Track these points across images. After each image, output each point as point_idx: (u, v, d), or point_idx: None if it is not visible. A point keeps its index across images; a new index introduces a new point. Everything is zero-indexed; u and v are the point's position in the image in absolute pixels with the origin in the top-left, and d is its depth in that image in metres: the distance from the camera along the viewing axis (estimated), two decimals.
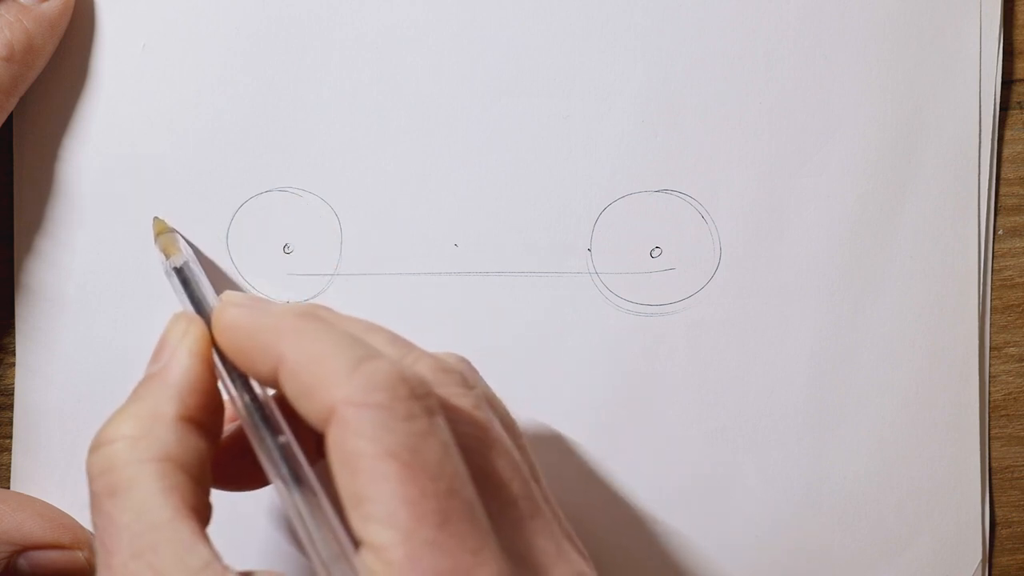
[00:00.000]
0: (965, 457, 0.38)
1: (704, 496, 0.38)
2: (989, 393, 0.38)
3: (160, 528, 0.26)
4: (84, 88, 0.37)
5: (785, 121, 0.37)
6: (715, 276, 0.38)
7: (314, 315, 0.29)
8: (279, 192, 0.37)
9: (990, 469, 0.38)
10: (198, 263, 0.34)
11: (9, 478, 0.37)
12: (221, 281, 0.37)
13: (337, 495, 0.26)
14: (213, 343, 0.30)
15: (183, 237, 0.36)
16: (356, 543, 0.25)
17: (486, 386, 0.31)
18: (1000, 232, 0.38)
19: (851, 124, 0.37)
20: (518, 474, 0.28)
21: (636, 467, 0.38)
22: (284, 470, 0.27)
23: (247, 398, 0.29)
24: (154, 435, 0.28)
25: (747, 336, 0.38)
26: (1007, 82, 0.38)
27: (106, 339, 0.37)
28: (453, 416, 0.28)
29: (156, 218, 0.37)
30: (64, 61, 0.36)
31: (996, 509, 0.38)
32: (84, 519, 0.37)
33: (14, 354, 0.37)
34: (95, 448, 0.28)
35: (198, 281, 0.33)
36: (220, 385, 0.30)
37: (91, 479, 0.28)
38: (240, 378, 0.29)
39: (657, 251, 0.38)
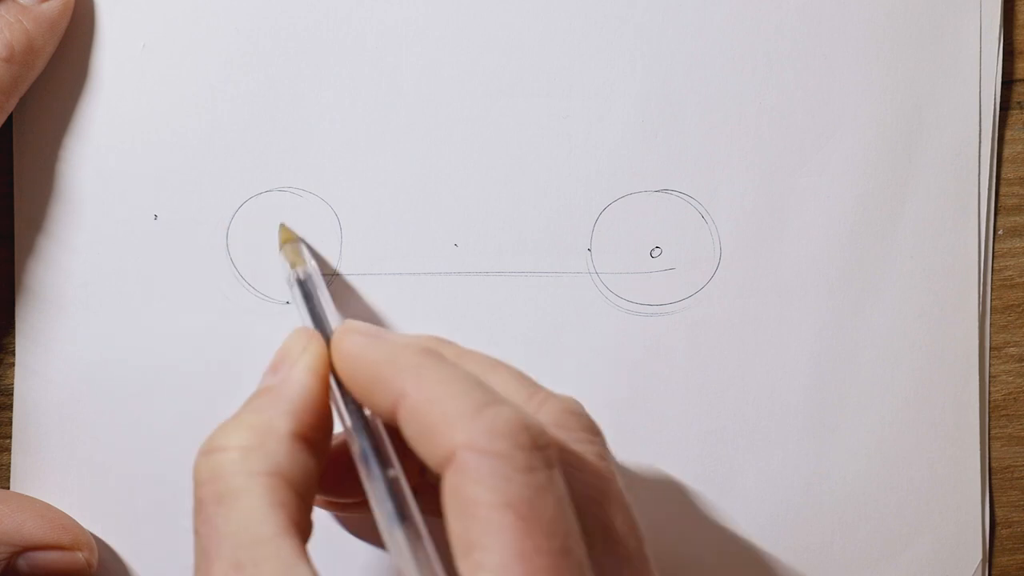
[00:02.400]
0: (965, 457, 0.38)
1: (703, 496, 0.38)
2: (989, 393, 0.38)
3: (264, 543, 0.26)
4: (84, 88, 0.37)
5: (785, 121, 0.37)
6: (715, 276, 0.38)
7: (437, 352, 0.28)
8: (279, 192, 0.37)
9: (990, 469, 0.38)
10: (321, 277, 0.34)
11: (9, 478, 0.37)
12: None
13: (445, 538, 0.26)
14: (331, 367, 0.29)
15: (308, 247, 0.36)
16: None
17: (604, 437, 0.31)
18: (1000, 232, 0.38)
19: (851, 124, 0.37)
20: (634, 531, 0.28)
21: (635, 467, 0.38)
22: (389, 506, 0.27)
23: (360, 427, 0.29)
24: (266, 449, 0.27)
25: (747, 336, 0.38)
26: (1007, 82, 0.38)
27: (106, 339, 0.37)
28: (577, 465, 0.28)
29: (283, 225, 0.37)
30: (64, 61, 0.36)
31: (996, 509, 0.38)
32: (83, 519, 0.37)
33: (14, 354, 0.37)
34: (205, 453, 0.28)
35: (320, 297, 0.32)
36: (332, 407, 0.30)
37: (198, 484, 0.27)
38: (354, 405, 0.29)
39: (657, 251, 0.38)
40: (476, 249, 0.37)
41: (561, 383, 0.38)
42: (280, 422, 0.28)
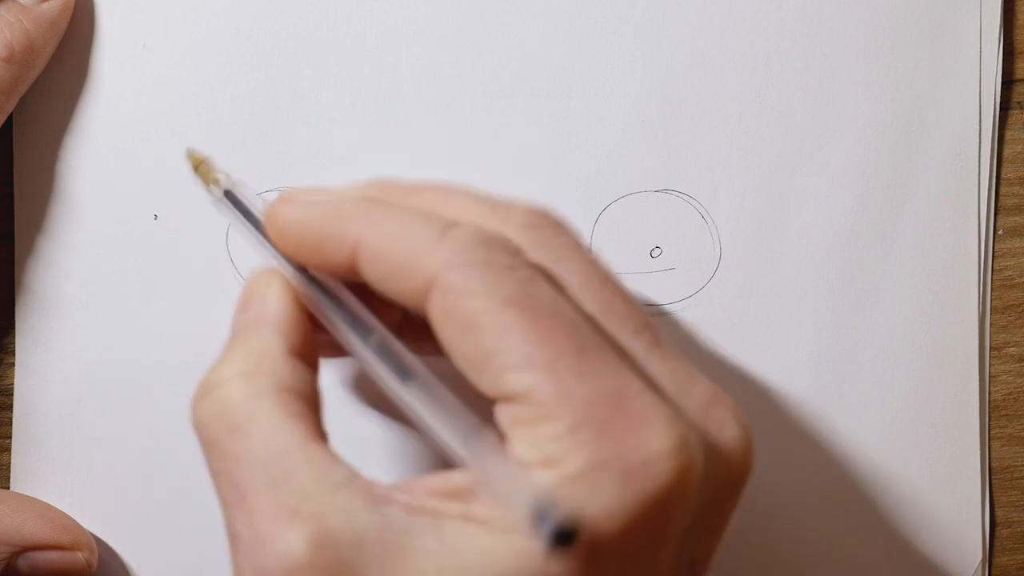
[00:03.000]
0: (965, 457, 0.38)
1: None
2: (989, 393, 0.38)
3: (293, 453, 0.26)
4: (84, 88, 0.37)
5: (785, 121, 0.37)
6: (715, 276, 0.38)
7: (381, 197, 0.28)
8: (279, 192, 0.37)
9: (990, 469, 0.38)
10: (246, 186, 0.33)
11: (9, 478, 0.37)
12: None
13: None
14: (279, 249, 0.29)
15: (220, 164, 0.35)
16: (485, 411, 0.25)
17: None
18: (1000, 232, 0.38)
19: (851, 124, 0.37)
20: (634, 308, 0.28)
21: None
22: (388, 369, 0.27)
23: (327, 301, 0.28)
24: (266, 369, 0.27)
25: (747, 336, 0.38)
26: (1007, 82, 0.38)
27: (106, 339, 0.37)
28: (563, 256, 0.27)
29: (189, 150, 0.34)
30: (64, 61, 0.36)
31: (996, 509, 0.38)
32: (83, 519, 0.37)
33: (14, 354, 0.37)
34: (204, 394, 0.27)
35: (251, 201, 0.31)
36: (306, 299, 0.29)
37: (203, 425, 0.27)
38: (313, 281, 0.29)
39: (657, 251, 0.38)
40: None
41: None
42: (272, 342, 0.28)
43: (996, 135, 0.38)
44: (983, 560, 0.38)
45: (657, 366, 0.27)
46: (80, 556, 0.35)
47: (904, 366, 0.38)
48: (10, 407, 0.37)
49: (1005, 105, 0.38)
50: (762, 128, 0.37)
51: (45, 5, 0.35)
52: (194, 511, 0.37)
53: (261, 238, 0.30)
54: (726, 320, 0.38)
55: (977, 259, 0.38)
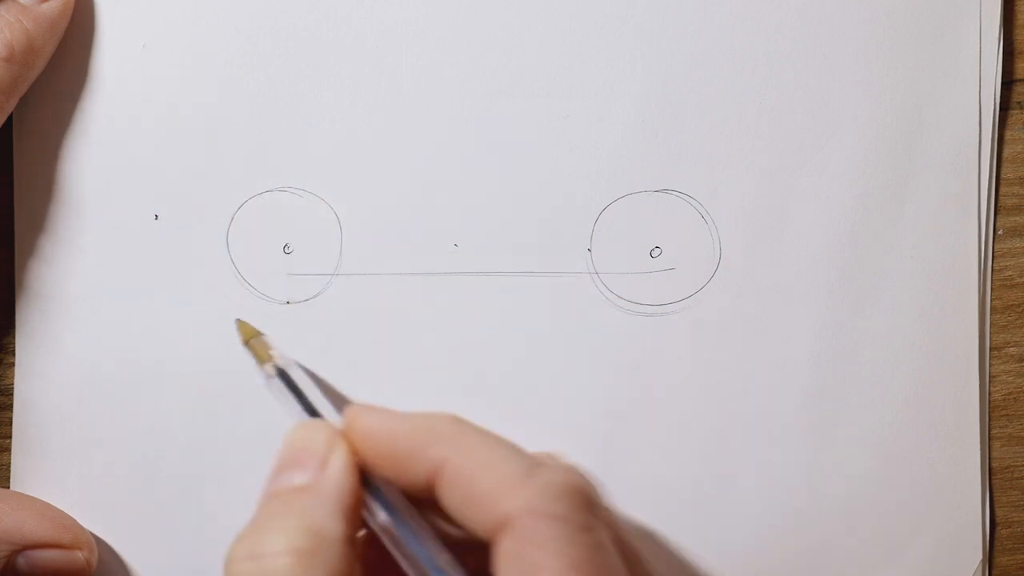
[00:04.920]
0: (965, 457, 0.38)
1: (704, 496, 0.38)
2: (989, 393, 0.38)
3: None
4: (84, 88, 0.37)
5: (785, 121, 0.37)
6: (715, 276, 0.38)
7: (463, 419, 0.28)
8: (279, 192, 0.37)
9: (990, 469, 0.38)
10: (295, 364, 0.33)
11: (9, 478, 0.37)
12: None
13: None
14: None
15: (272, 339, 0.36)
16: None
17: None
18: (1000, 232, 0.38)
19: (851, 124, 0.37)
20: None
21: (636, 467, 0.38)
22: None
23: (391, 509, 0.28)
24: (323, 555, 0.26)
25: (747, 336, 0.38)
26: (1007, 82, 0.38)
27: (106, 339, 0.37)
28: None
29: (239, 321, 0.36)
30: (64, 61, 0.36)
31: (996, 509, 0.38)
32: (83, 519, 0.37)
33: (14, 354, 0.37)
34: (246, 558, 0.27)
35: (304, 386, 0.31)
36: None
37: None
38: (379, 488, 0.28)
39: (657, 251, 0.38)
40: (476, 249, 0.37)
41: (561, 383, 0.38)
42: (331, 525, 0.27)
43: (996, 135, 0.38)
44: (983, 560, 0.38)
45: None
46: (80, 555, 0.35)
47: (904, 366, 0.38)
48: (10, 407, 0.37)
49: (1005, 105, 0.38)
50: (762, 128, 0.37)
51: (45, 5, 0.35)
52: (194, 511, 0.37)
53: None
54: (726, 320, 0.38)
55: (977, 259, 0.38)
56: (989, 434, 0.38)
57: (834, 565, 0.38)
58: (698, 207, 0.37)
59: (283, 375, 0.32)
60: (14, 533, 0.34)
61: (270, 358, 0.33)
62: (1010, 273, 0.38)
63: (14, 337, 0.37)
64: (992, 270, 0.38)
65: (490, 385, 0.37)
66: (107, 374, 0.37)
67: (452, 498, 0.26)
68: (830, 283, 0.38)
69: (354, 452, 0.29)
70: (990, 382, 0.38)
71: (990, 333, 0.38)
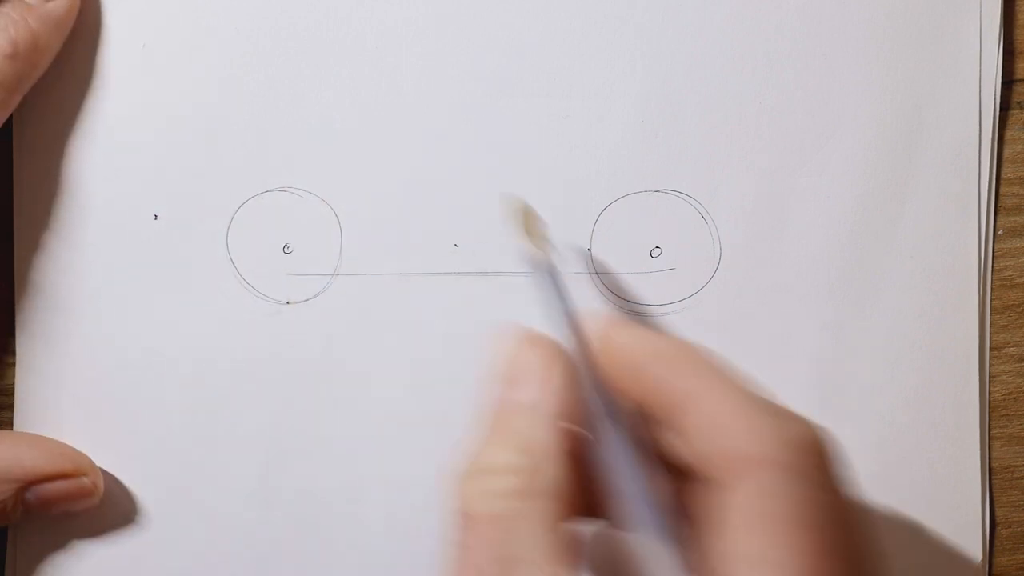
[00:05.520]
0: (965, 457, 0.38)
1: None
2: (989, 393, 0.38)
3: (541, 569, 0.26)
4: (85, 87, 0.37)
5: (785, 121, 0.37)
6: (715, 276, 0.38)
7: (712, 354, 0.28)
8: (279, 192, 0.37)
9: (990, 469, 0.38)
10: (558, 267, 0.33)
11: None
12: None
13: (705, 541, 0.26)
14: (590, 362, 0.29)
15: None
16: None
17: None
18: (1000, 232, 0.38)
19: (851, 124, 0.37)
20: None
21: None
22: (653, 522, 0.27)
23: (626, 429, 0.28)
24: (540, 471, 0.27)
25: (747, 336, 0.38)
26: (1007, 82, 0.38)
27: (106, 339, 0.37)
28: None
29: (520, 200, 0.35)
30: (66, 59, 0.36)
31: (996, 509, 0.38)
32: (83, 519, 0.37)
33: (14, 354, 0.37)
34: (473, 475, 0.28)
35: (566, 287, 0.31)
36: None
37: (468, 502, 0.27)
38: (612, 401, 0.28)
39: (657, 251, 0.38)
40: (476, 249, 0.37)
41: None
42: (548, 442, 0.28)
43: (996, 135, 0.38)
44: (983, 560, 0.38)
45: None
46: (85, 480, 0.36)
47: (904, 366, 0.38)
48: (10, 407, 0.37)
49: (1005, 105, 0.38)
50: (762, 128, 0.37)
51: (51, 4, 0.35)
52: (193, 511, 0.37)
53: (569, 324, 0.30)
54: (726, 320, 0.38)
55: (977, 259, 0.38)
56: (989, 434, 0.38)
57: None
58: (698, 207, 0.37)
59: (553, 272, 0.32)
60: (15, 469, 0.35)
61: (547, 252, 0.33)
62: (1010, 273, 0.38)
63: (14, 336, 0.37)
64: (992, 270, 0.38)
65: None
66: (107, 374, 0.37)
67: (692, 431, 0.26)
68: (830, 283, 0.38)
69: (572, 368, 0.29)
70: (990, 382, 0.38)
71: (990, 333, 0.38)
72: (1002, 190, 0.38)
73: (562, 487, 0.27)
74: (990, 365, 0.38)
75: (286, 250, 0.37)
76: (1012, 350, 0.38)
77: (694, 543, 0.27)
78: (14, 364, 0.37)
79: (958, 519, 0.38)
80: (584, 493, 0.29)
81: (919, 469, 0.38)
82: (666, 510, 0.27)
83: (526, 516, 0.27)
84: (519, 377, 0.29)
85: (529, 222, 0.34)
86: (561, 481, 0.27)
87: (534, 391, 0.29)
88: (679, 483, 0.28)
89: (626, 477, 0.28)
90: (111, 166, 0.37)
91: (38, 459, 0.35)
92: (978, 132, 0.37)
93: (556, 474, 0.27)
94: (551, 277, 0.32)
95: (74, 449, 0.36)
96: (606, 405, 0.29)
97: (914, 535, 0.38)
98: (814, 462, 0.25)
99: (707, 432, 0.26)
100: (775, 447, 0.25)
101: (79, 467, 0.36)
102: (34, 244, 0.37)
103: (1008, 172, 0.38)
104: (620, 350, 0.29)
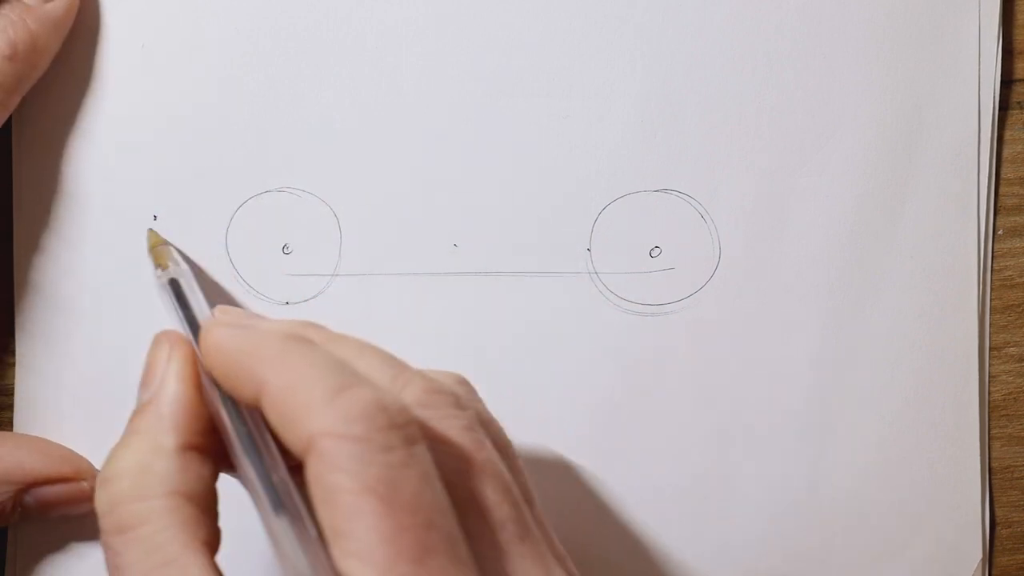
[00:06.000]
0: (965, 457, 0.38)
1: (703, 496, 0.38)
2: (989, 393, 0.38)
3: (170, 565, 0.26)
4: (84, 88, 0.37)
5: (785, 121, 0.37)
6: (715, 276, 0.38)
7: (300, 337, 0.28)
8: (278, 192, 0.37)
9: (990, 469, 0.38)
10: (194, 278, 0.33)
11: None
12: (225, 301, 0.37)
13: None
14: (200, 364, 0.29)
15: (181, 252, 0.36)
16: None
17: (483, 407, 0.31)
18: (1000, 232, 0.38)
19: (851, 124, 0.37)
20: (507, 497, 0.28)
21: (635, 467, 0.38)
22: (266, 499, 0.27)
23: (233, 421, 0.28)
24: (156, 470, 0.27)
25: (747, 336, 0.38)
26: (1007, 82, 0.38)
27: (107, 339, 0.37)
28: (439, 440, 0.27)
29: (150, 230, 0.37)
30: (65, 60, 0.36)
31: (996, 509, 0.38)
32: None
33: (14, 354, 0.37)
34: (100, 485, 0.28)
35: (190, 296, 0.32)
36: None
37: (99, 516, 0.28)
38: (226, 399, 0.29)
39: (657, 251, 0.38)
40: (476, 249, 0.37)
41: (560, 383, 0.38)
42: (164, 439, 0.28)
43: (996, 135, 0.38)
44: (983, 560, 0.38)
45: (514, 565, 0.27)
46: (84, 485, 0.36)
47: (904, 366, 0.38)
48: (10, 407, 0.37)
49: (1004, 105, 0.38)
50: (762, 128, 0.37)
51: (50, 5, 0.35)
52: None
53: (193, 340, 0.30)
54: (726, 320, 0.38)
55: (977, 259, 0.38)
56: (989, 434, 0.38)
57: (834, 565, 0.38)
58: (698, 207, 0.38)
59: (173, 284, 0.32)
60: (15, 472, 0.35)
61: (166, 267, 0.33)
62: (1010, 273, 0.38)
63: (14, 337, 0.37)
64: (992, 270, 0.38)
65: (489, 385, 0.37)
66: (107, 374, 0.37)
67: (272, 419, 0.27)
68: (830, 283, 0.38)
69: (196, 365, 0.29)
70: (990, 382, 0.38)
71: (990, 333, 0.38)
72: (1002, 190, 0.38)
73: (184, 482, 0.27)
74: (990, 365, 0.38)
75: (285, 250, 0.37)
76: (1012, 350, 0.38)
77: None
78: (14, 364, 0.37)
79: (958, 519, 0.38)
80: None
81: (919, 469, 0.38)
82: (286, 497, 0.27)
83: (148, 520, 0.27)
84: (146, 378, 0.30)
85: (153, 246, 0.35)
86: (181, 476, 0.27)
87: (152, 388, 0.29)
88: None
89: (247, 469, 0.28)
90: (111, 166, 0.37)
91: (38, 462, 0.35)
92: (977, 132, 0.37)
93: (174, 469, 0.27)
94: (171, 293, 0.32)
95: (74, 453, 0.36)
96: (223, 402, 0.29)
97: (914, 535, 0.38)
98: (369, 427, 0.25)
99: (279, 420, 0.26)
100: (330, 420, 0.25)
101: (79, 471, 0.36)
102: (34, 244, 0.37)
103: (1008, 172, 0.38)
104: (213, 350, 0.28)
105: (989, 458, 0.38)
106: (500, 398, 0.37)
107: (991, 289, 0.38)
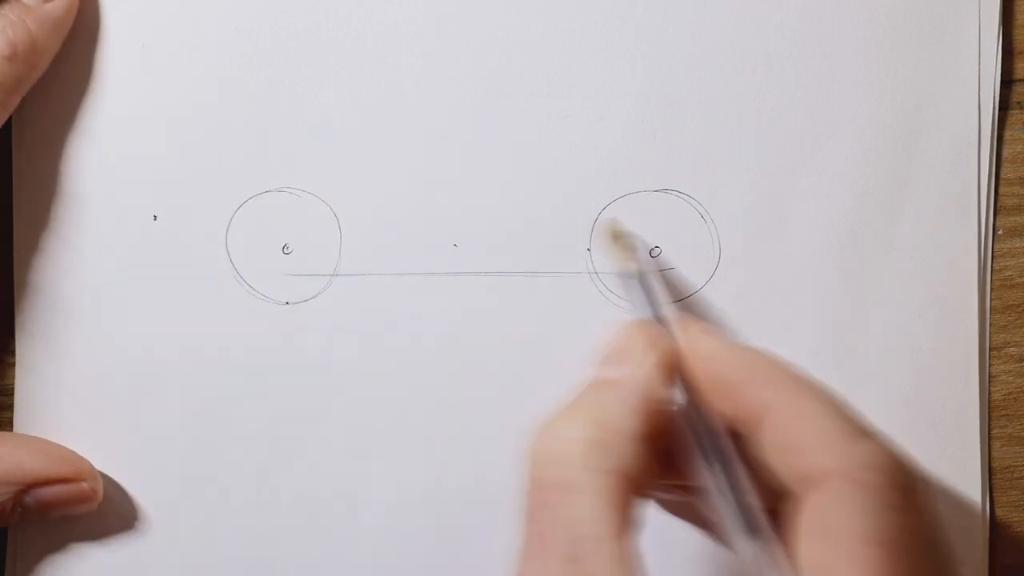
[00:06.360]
0: (965, 457, 0.38)
1: None
2: (989, 393, 0.38)
3: (603, 543, 0.26)
4: (84, 88, 0.37)
5: (785, 121, 0.37)
6: (715, 276, 0.38)
7: (795, 366, 0.28)
8: (279, 192, 0.37)
9: (990, 469, 0.38)
10: (652, 273, 0.33)
11: None
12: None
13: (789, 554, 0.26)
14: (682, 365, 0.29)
15: (640, 243, 0.36)
16: None
17: None
18: (1000, 232, 0.38)
19: (851, 124, 0.37)
20: None
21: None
22: (741, 522, 0.27)
23: (712, 432, 0.28)
24: (611, 447, 0.27)
25: (747, 336, 0.38)
26: (1007, 82, 0.38)
27: (107, 339, 0.37)
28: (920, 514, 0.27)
29: (614, 219, 0.36)
30: (65, 60, 0.36)
31: (996, 509, 0.38)
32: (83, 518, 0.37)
33: (14, 354, 0.37)
34: (548, 438, 0.28)
35: (658, 295, 0.32)
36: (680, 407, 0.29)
37: (538, 465, 0.28)
38: (699, 408, 0.29)
39: (657, 251, 0.38)
40: (476, 249, 0.37)
41: (561, 383, 0.38)
42: (626, 420, 0.28)
43: (996, 135, 0.38)
44: (983, 560, 0.38)
45: None
46: (84, 486, 0.36)
47: (904, 366, 0.38)
48: (10, 407, 0.37)
49: (1004, 105, 0.38)
50: (762, 128, 0.37)
51: (49, 5, 0.35)
52: (193, 512, 0.37)
53: (664, 330, 0.30)
54: (726, 320, 0.38)
55: (977, 259, 0.38)
56: (989, 434, 0.38)
57: None
58: (698, 207, 0.38)
59: (642, 277, 0.33)
60: (15, 472, 0.35)
61: (635, 260, 0.34)
62: (1010, 273, 0.38)
63: (14, 337, 0.37)
64: (992, 270, 0.38)
65: (489, 384, 0.37)
66: (107, 374, 0.37)
67: (771, 442, 0.26)
68: (830, 283, 0.38)
69: (673, 360, 0.29)
70: (990, 382, 0.38)
71: (990, 333, 0.38)
72: (1002, 190, 0.38)
73: (632, 467, 0.27)
74: (990, 365, 0.38)
75: (286, 250, 0.37)
76: (1012, 350, 0.38)
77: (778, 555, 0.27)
78: (14, 364, 0.37)
79: (958, 519, 0.38)
80: (657, 478, 0.30)
81: (919, 469, 0.38)
82: (747, 515, 0.27)
83: (590, 489, 0.27)
84: (615, 356, 0.30)
85: (617, 238, 0.35)
86: (632, 460, 0.27)
87: (625, 369, 0.29)
88: (765, 495, 0.28)
89: (718, 482, 0.28)
90: (111, 166, 0.37)
91: (38, 463, 0.35)
92: (977, 132, 0.37)
93: (627, 452, 0.27)
94: (640, 285, 0.33)
95: (75, 453, 0.36)
96: (691, 409, 0.29)
97: None
98: (888, 481, 0.25)
99: (782, 445, 0.26)
100: (848, 462, 0.25)
101: (79, 472, 0.36)
102: (34, 244, 0.37)
103: (1008, 172, 0.38)
104: (704, 359, 0.29)
105: (989, 458, 0.38)
106: (500, 398, 0.37)
107: (991, 289, 0.38)
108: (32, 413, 0.37)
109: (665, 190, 0.37)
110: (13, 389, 0.37)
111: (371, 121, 0.37)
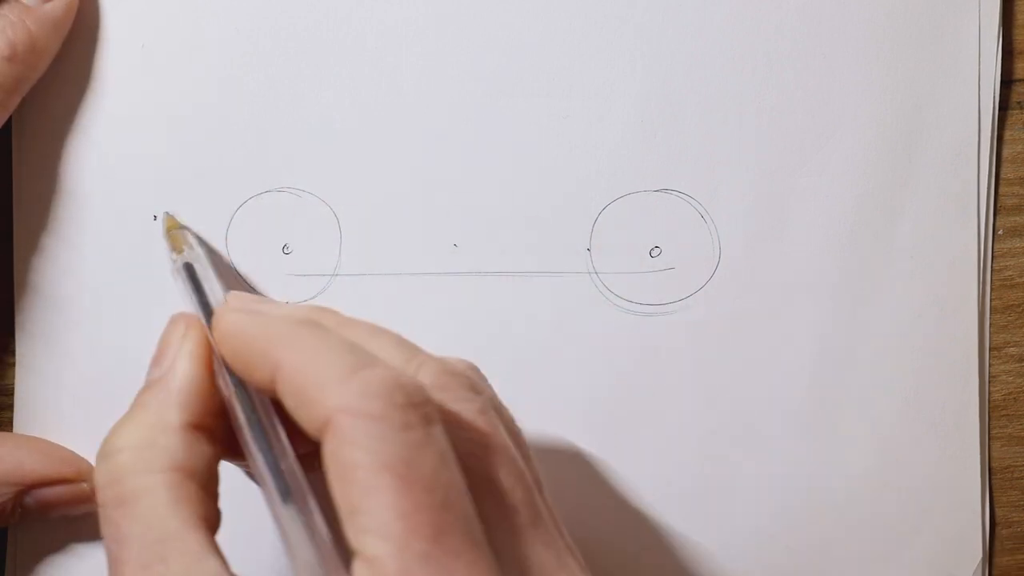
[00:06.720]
0: (965, 457, 0.38)
1: (704, 496, 0.38)
2: (989, 393, 0.38)
3: (169, 539, 0.26)
4: (84, 88, 0.37)
5: (785, 121, 0.37)
6: (715, 276, 0.38)
7: (314, 320, 0.28)
8: (279, 192, 0.37)
9: (990, 469, 0.38)
10: (209, 263, 0.33)
11: None
12: (237, 285, 0.37)
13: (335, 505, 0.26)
14: (213, 348, 0.29)
15: (196, 235, 0.36)
16: (349, 554, 0.25)
17: (494, 392, 0.31)
18: (1000, 232, 0.38)
19: (851, 124, 0.37)
20: (521, 482, 0.28)
21: (635, 467, 0.38)
22: (273, 485, 0.27)
23: (244, 406, 0.28)
24: (160, 445, 0.28)
25: (747, 336, 0.38)
26: (1007, 82, 0.38)
27: (107, 339, 0.37)
28: (455, 422, 0.28)
29: (167, 214, 0.37)
30: (65, 60, 0.36)
31: (996, 509, 0.38)
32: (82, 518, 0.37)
33: (14, 354, 0.37)
34: (101, 458, 0.28)
35: (205, 281, 0.32)
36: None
37: (99, 489, 0.28)
38: (239, 385, 0.29)
39: (656, 251, 0.38)
40: (476, 249, 0.37)
41: (561, 383, 0.38)
42: (171, 415, 0.28)
43: (995, 135, 0.38)
44: (983, 560, 0.38)
45: (526, 549, 0.27)
46: (84, 486, 0.36)
47: (904, 366, 0.38)
48: (10, 407, 0.37)
49: (1004, 105, 0.38)
50: (762, 128, 0.37)
51: (48, 5, 0.35)
52: None
53: (206, 324, 0.30)
54: (726, 320, 0.38)
55: (977, 259, 0.38)
56: (989, 434, 0.38)
57: (834, 564, 0.38)
58: (698, 207, 0.38)
59: (188, 269, 0.33)
60: (15, 473, 0.35)
61: (182, 251, 0.33)
62: (1010, 273, 0.38)
63: (14, 337, 0.37)
64: (992, 270, 0.38)
65: (493, 387, 0.37)
66: (107, 374, 0.37)
67: (287, 401, 0.27)
68: (830, 283, 0.38)
69: (206, 345, 0.30)
70: (990, 382, 0.38)
71: (990, 333, 0.38)
72: (1002, 190, 0.38)
73: (187, 460, 0.28)
74: (990, 365, 0.38)
75: (286, 250, 0.37)
76: (1012, 350, 0.38)
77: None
78: (14, 364, 0.37)
79: (958, 519, 0.38)
80: (232, 460, 0.30)
81: (919, 469, 0.38)
82: (294, 486, 0.27)
83: (151, 491, 0.27)
84: (156, 357, 0.30)
85: (169, 230, 0.35)
86: (184, 454, 0.28)
87: (164, 366, 0.29)
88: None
89: (256, 455, 0.28)
90: (110, 166, 0.37)
91: (39, 463, 0.35)
92: (977, 132, 0.37)
93: (178, 447, 0.28)
94: (186, 278, 0.33)
95: (75, 454, 0.36)
96: (235, 387, 0.29)
97: (914, 535, 0.38)
98: (387, 405, 0.25)
99: (295, 399, 0.26)
100: (347, 398, 0.25)
101: (79, 472, 0.36)
102: (33, 244, 0.37)
103: (1008, 172, 0.38)
104: (228, 336, 0.29)
105: (989, 458, 0.38)
106: (500, 398, 0.37)
107: (991, 289, 0.38)
108: (32, 413, 0.37)
109: (665, 190, 0.37)
110: (13, 389, 0.37)
111: (371, 121, 0.37)
